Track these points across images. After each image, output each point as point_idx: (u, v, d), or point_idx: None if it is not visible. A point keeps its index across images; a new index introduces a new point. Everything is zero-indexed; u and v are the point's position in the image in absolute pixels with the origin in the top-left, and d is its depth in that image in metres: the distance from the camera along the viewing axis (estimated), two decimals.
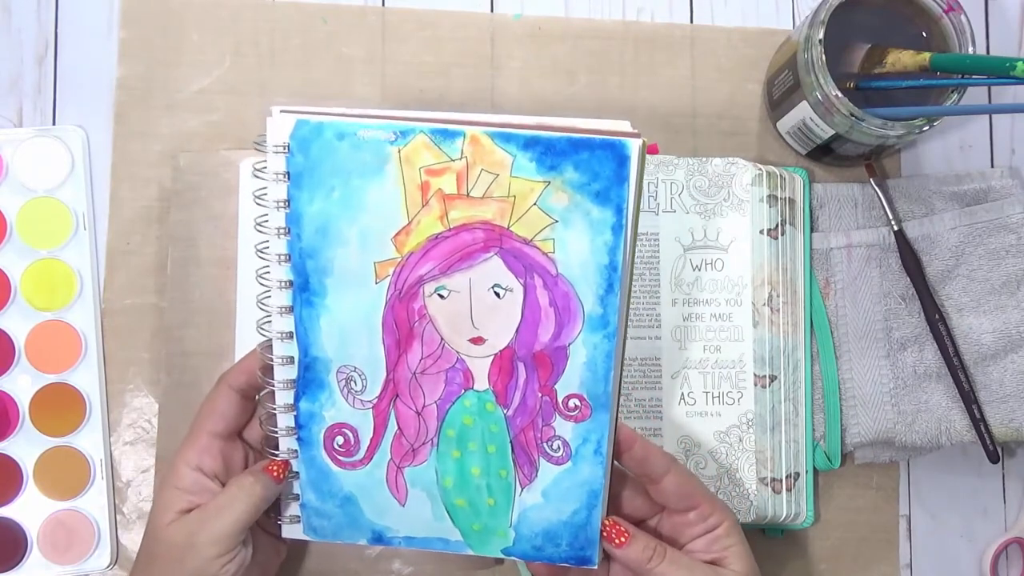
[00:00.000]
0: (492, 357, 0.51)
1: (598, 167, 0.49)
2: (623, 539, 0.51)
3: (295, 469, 0.53)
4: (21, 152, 0.64)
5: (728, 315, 0.64)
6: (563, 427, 0.52)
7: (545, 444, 0.52)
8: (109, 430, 0.64)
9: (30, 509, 0.63)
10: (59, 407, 0.63)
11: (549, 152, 0.49)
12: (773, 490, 0.63)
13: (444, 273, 0.51)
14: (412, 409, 0.52)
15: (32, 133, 0.65)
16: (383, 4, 0.68)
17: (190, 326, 0.63)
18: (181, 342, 0.63)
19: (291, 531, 0.54)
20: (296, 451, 0.53)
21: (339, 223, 0.50)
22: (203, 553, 0.50)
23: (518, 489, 0.53)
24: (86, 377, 0.64)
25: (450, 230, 0.50)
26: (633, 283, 0.62)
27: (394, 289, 0.51)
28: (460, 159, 0.49)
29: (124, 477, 0.64)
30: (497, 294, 0.51)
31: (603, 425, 0.51)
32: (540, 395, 0.51)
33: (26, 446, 0.63)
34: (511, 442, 0.52)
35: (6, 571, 0.62)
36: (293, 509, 0.54)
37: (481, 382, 0.52)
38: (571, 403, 0.51)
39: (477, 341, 0.51)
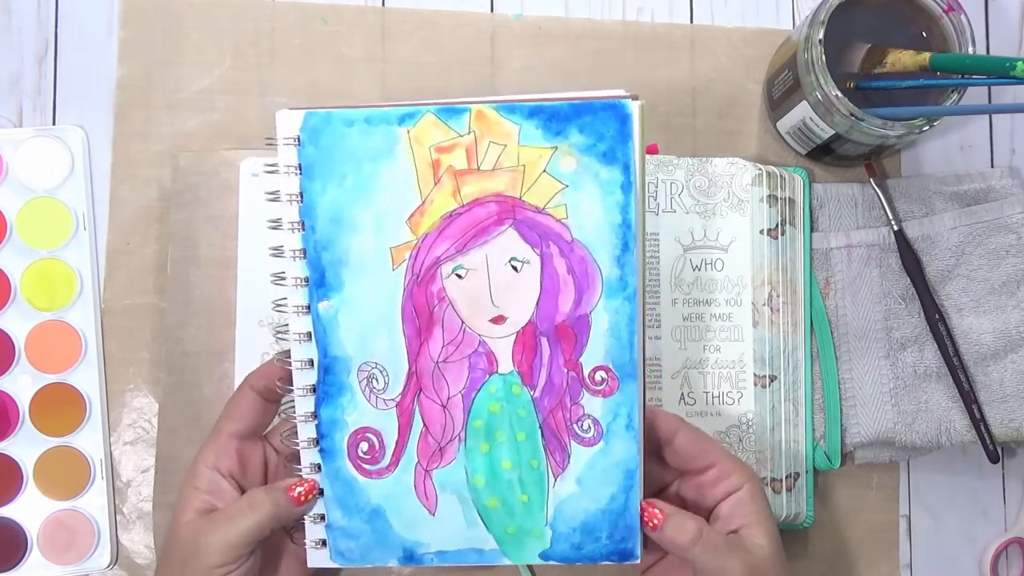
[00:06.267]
0: (514, 335, 0.51)
1: (602, 128, 0.49)
2: (656, 521, 0.50)
3: (319, 486, 0.52)
4: (21, 152, 0.64)
5: (728, 315, 0.64)
6: (592, 404, 0.51)
7: (575, 425, 0.51)
8: (109, 430, 0.64)
9: (30, 509, 0.63)
10: (59, 407, 0.63)
11: (554, 118, 0.49)
12: (773, 490, 0.63)
13: (460, 251, 0.50)
14: (437, 402, 0.51)
15: (32, 133, 0.65)
16: (383, 4, 0.68)
17: (190, 326, 0.63)
18: (181, 342, 0.63)
19: (317, 559, 0.53)
20: (319, 464, 0.52)
21: (353, 210, 0.50)
22: (207, 560, 0.50)
23: (551, 480, 0.51)
24: (86, 377, 0.64)
25: (464, 206, 0.50)
26: None
27: (411, 274, 0.51)
28: (468, 134, 0.50)
29: (124, 477, 0.64)
30: (515, 267, 0.51)
31: (632, 397, 0.51)
32: (566, 371, 0.51)
33: (26, 446, 0.63)
34: (540, 427, 0.51)
35: (6, 571, 0.62)
36: (319, 532, 0.52)
37: (505, 364, 0.51)
38: (598, 376, 0.51)
39: (498, 320, 0.51)
